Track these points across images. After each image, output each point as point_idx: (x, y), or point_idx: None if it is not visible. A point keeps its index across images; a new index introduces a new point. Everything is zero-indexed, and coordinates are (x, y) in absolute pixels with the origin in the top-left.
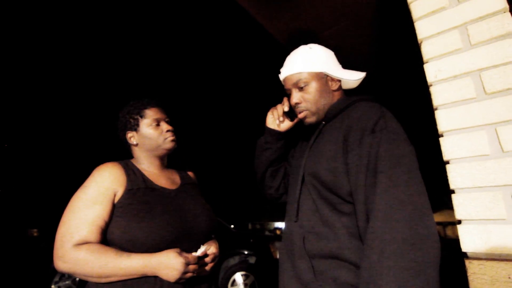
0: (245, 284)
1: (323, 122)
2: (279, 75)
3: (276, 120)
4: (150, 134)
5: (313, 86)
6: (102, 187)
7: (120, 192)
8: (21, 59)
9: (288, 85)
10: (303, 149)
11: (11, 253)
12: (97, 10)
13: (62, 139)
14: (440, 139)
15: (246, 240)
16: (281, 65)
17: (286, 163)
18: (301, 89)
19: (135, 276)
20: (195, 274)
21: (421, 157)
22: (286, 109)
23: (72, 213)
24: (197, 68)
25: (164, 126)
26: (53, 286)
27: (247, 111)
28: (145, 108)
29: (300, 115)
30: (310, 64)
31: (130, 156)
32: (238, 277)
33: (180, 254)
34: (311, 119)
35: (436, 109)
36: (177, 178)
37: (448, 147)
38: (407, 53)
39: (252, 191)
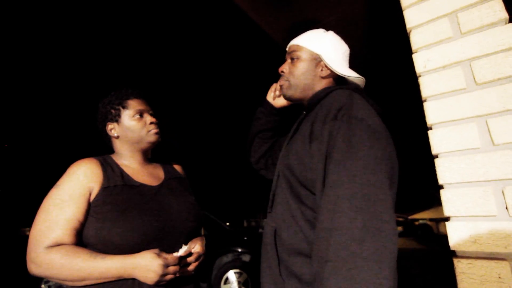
0: (239, 282)
1: (304, 112)
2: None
3: (272, 93)
4: (133, 126)
5: (302, 62)
6: (76, 185)
7: (95, 190)
8: (21, 59)
9: (286, 54)
10: (285, 140)
11: (3, 252)
12: (92, 10)
13: (55, 139)
14: (429, 132)
15: (240, 238)
16: (275, 62)
17: (276, 143)
18: (292, 60)
19: (111, 279)
20: (177, 275)
21: (411, 151)
22: None
23: (44, 214)
24: (190, 64)
25: (148, 118)
26: (43, 286)
27: (243, 108)
28: (128, 98)
29: (279, 82)
30: (310, 42)
31: (111, 151)
32: (231, 275)
33: (158, 255)
34: (287, 91)
35: (425, 100)
36: (160, 173)
37: (437, 141)
38: (397, 44)
39: (247, 189)
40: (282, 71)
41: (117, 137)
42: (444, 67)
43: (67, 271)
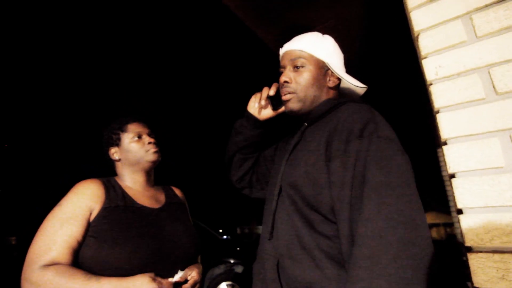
0: None
1: (305, 124)
2: (280, 49)
3: (256, 104)
4: (132, 148)
5: (310, 70)
6: (78, 204)
7: (96, 210)
8: (21, 59)
9: (284, 61)
10: (284, 154)
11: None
12: (91, 11)
13: (55, 139)
14: (444, 147)
15: (233, 248)
16: (270, 71)
17: (261, 157)
18: (296, 68)
19: None
20: None
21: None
22: (272, 93)
23: (43, 232)
24: (186, 73)
25: (146, 138)
26: None
27: (236, 115)
28: (127, 123)
29: (285, 97)
30: (315, 48)
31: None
32: (224, 287)
33: (153, 279)
34: (294, 105)
35: (437, 112)
36: (162, 197)
37: (454, 158)
38: (398, 50)
39: (240, 195)
40: (286, 81)
41: (119, 160)
42: (459, 74)
43: None
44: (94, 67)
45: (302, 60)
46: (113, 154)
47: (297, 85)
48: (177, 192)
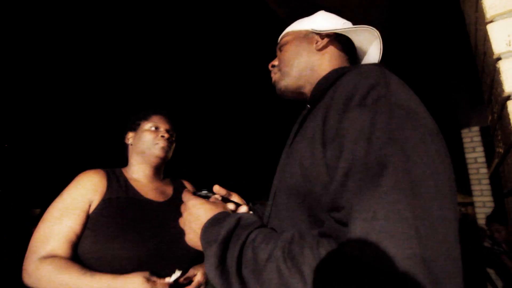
0: None
1: (308, 106)
2: None
3: None
4: (144, 136)
5: (291, 44)
6: (77, 197)
7: (96, 202)
8: (21, 59)
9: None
10: (285, 147)
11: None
12: (100, 8)
13: (55, 139)
14: None
15: None
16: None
17: None
18: (280, 51)
19: None
20: None
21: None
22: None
23: (44, 224)
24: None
25: (162, 132)
26: None
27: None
28: (152, 114)
29: (273, 81)
30: (298, 24)
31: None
32: None
33: (148, 279)
34: (281, 84)
35: (509, 98)
36: (169, 190)
37: None
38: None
39: (252, 168)
40: (272, 65)
41: (131, 145)
42: None
43: (55, 285)
44: (95, 66)
45: (285, 39)
46: (128, 138)
47: (280, 62)
48: (188, 185)
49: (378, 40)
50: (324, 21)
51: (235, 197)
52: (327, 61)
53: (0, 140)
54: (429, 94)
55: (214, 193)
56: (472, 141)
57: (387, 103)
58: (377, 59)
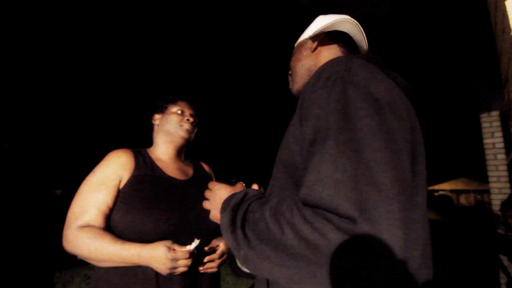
0: None
1: None
2: None
3: None
4: (171, 118)
5: (294, 54)
6: (108, 172)
7: (125, 178)
8: (21, 59)
9: None
10: None
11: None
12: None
13: (55, 139)
14: None
15: None
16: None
17: None
18: (291, 61)
19: (130, 265)
20: (201, 270)
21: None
22: None
23: (79, 197)
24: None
25: (187, 116)
26: None
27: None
28: (179, 99)
29: (289, 86)
30: (301, 36)
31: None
32: None
33: (169, 248)
34: (293, 89)
35: None
36: (190, 170)
37: None
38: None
39: (261, 150)
40: (290, 74)
41: (157, 126)
42: None
43: (90, 251)
44: (94, 66)
45: (293, 51)
46: (155, 119)
47: (291, 71)
48: (206, 167)
49: (360, 28)
50: (317, 24)
51: (255, 186)
52: (322, 59)
53: (4, 138)
54: (448, 76)
55: (239, 181)
56: (491, 126)
57: (342, 82)
58: (365, 46)
